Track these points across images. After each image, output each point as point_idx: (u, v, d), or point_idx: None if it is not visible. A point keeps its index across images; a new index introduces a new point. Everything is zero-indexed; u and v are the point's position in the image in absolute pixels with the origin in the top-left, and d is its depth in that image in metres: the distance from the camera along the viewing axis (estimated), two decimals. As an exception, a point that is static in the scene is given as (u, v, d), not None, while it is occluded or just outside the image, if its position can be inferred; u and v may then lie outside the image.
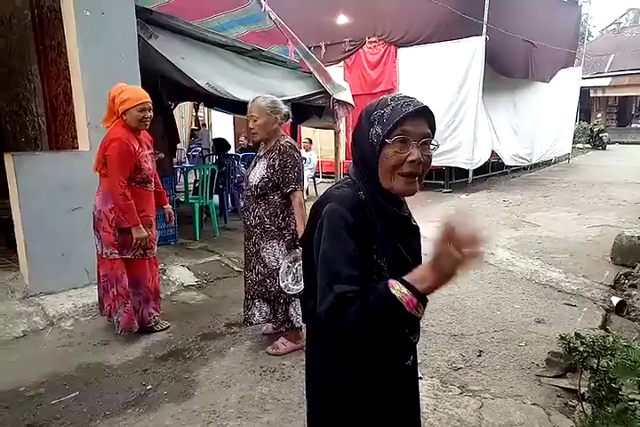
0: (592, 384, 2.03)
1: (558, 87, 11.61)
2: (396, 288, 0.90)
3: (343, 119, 6.25)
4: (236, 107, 6.05)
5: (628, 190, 8.39)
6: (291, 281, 2.55)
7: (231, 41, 4.64)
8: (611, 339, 2.04)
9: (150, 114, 2.81)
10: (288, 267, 2.58)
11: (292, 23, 5.25)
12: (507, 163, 10.37)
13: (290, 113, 2.77)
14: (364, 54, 9.41)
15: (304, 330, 2.69)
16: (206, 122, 12.36)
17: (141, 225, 2.79)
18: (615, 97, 20.59)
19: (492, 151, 9.49)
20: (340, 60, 9.61)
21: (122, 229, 2.81)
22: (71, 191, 3.46)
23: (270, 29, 5.56)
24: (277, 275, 2.64)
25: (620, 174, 10.38)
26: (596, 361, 1.98)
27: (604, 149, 17.49)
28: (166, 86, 4.89)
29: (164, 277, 3.93)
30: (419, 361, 1.54)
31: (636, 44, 19.97)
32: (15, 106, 4.16)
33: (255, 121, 2.64)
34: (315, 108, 5.89)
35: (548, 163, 12.97)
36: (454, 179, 9.25)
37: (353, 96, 5.98)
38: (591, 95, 19.87)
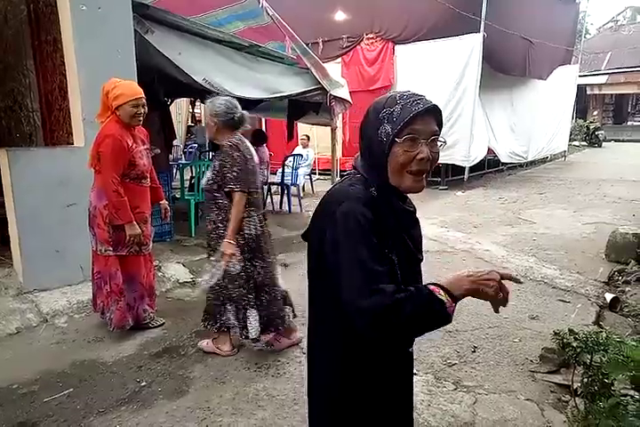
0: (585, 380, 2.04)
1: (555, 85, 11.63)
2: (443, 294, 0.98)
3: (340, 116, 6.24)
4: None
5: (624, 188, 8.42)
6: (207, 278, 2.61)
7: (228, 37, 4.62)
8: (604, 335, 2.05)
9: (144, 110, 2.80)
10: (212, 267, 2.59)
11: (289, 19, 5.23)
12: (503, 160, 10.39)
13: (242, 117, 2.61)
14: (361, 51, 9.40)
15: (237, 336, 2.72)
16: (202, 118, 12.34)
17: (135, 222, 2.78)
18: (612, 95, 20.64)
19: (489, 148, 9.50)
20: (337, 57, 9.59)
21: (116, 225, 2.80)
22: (66, 187, 3.44)
23: (268, 25, 5.53)
24: (237, 280, 2.60)
25: (615, 172, 10.42)
26: (589, 357, 1.99)
27: (600, 146, 17.56)
28: (163, 82, 4.87)
29: (159, 274, 3.93)
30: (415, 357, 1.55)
31: (633, 42, 20.00)
32: (10, 101, 4.13)
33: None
34: (312, 104, 5.88)
35: (544, 160, 13.00)
36: (451, 176, 9.26)
37: (350, 93, 5.97)
38: (588, 93, 19.91)
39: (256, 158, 2.68)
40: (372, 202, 1.07)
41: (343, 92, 5.71)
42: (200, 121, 11.57)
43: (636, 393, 1.75)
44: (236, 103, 2.64)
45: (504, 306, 1.05)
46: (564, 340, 2.08)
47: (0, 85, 4.09)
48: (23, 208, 3.36)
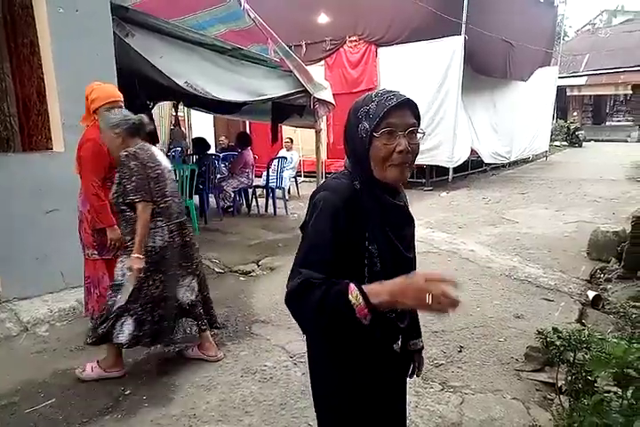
0: (569, 377, 2.07)
1: (536, 86, 11.82)
2: (354, 295, 1.01)
3: (324, 118, 6.24)
4: (216, 107, 6.01)
5: (604, 187, 8.59)
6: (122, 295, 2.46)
7: (210, 40, 4.58)
8: (586, 332, 2.08)
9: None
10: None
11: (272, 22, 5.21)
12: (486, 161, 10.51)
13: (141, 120, 2.51)
14: (344, 53, 9.43)
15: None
16: (186, 122, 12.24)
17: (116, 226, 2.75)
18: (590, 96, 21.05)
19: (472, 149, 9.60)
20: (320, 59, 9.60)
21: (98, 229, 2.78)
22: (46, 193, 3.37)
23: (250, 28, 5.50)
24: (132, 293, 2.47)
25: (595, 171, 10.62)
26: (572, 355, 2.02)
27: (581, 146, 17.88)
28: (144, 86, 4.81)
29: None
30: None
31: (609, 45, 20.46)
32: (-14, 106, 4.03)
33: None
34: (295, 107, 5.87)
35: (526, 160, 13.19)
36: (435, 177, 9.33)
37: (334, 95, 5.97)
38: (568, 94, 20.28)
39: (164, 165, 2.54)
40: (353, 194, 1.13)
41: (327, 95, 5.71)
42: (177, 124, 11.50)
43: (619, 390, 1.77)
44: (127, 111, 2.55)
45: (444, 313, 0.99)
46: (548, 338, 2.10)
47: (-25, 90, 3.99)
48: (0, 215, 3.28)
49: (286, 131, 8.67)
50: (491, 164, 10.98)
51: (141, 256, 2.39)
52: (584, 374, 1.96)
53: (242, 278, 4.26)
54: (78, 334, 3.07)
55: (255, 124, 9.88)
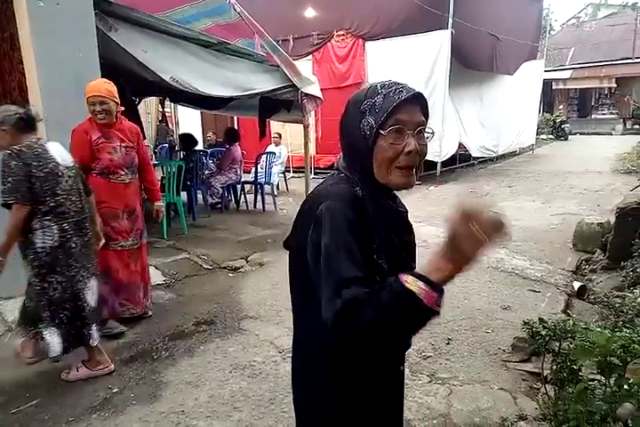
0: (554, 367, 2.10)
1: (522, 80, 11.90)
2: (411, 282, 0.82)
3: (312, 113, 6.22)
4: (202, 102, 5.95)
5: (589, 179, 8.70)
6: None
7: (196, 34, 4.53)
8: (571, 322, 2.11)
9: (101, 108, 2.80)
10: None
11: (258, 16, 5.16)
12: (474, 154, 10.58)
13: (30, 113, 2.39)
14: (332, 48, 9.40)
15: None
16: (173, 118, 12.11)
17: (97, 215, 2.73)
18: (576, 89, 21.23)
19: (460, 143, 9.66)
20: (308, 54, 9.56)
21: None
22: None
23: (236, 22, 5.44)
24: (34, 297, 2.44)
25: (580, 164, 10.74)
26: (557, 344, 2.04)
27: (567, 139, 18.06)
28: (130, 81, 4.74)
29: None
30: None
31: (594, 38, 20.67)
32: (-35, 102, 3.95)
33: None
34: (283, 101, 5.84)
35: (513, 154, 13.30)
36: (423, 171, 9.30)
37: (321, 90, 5.96)
38: (553, 87, 20.44)
39: (59, 162, 2.38)
40: (356, 202, 0.98)
41: (314, 90, 5.68)
42: (165, 120, 11.36)
43: (603, 378, 1.80)
44: (15, 106, 2.44)
45: (505, 240, 0.86)
46: (534, 329, 2.12)
47: (-46, 86, 3.91)
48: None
49: (274, 126, 8.63)
50: (478, 157, 11.04)
51: (2, 258, 2.31)
52: (569, 363, 1.99)
53: (230, 275, 4.25)
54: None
55: (243, 119, 9.82)
